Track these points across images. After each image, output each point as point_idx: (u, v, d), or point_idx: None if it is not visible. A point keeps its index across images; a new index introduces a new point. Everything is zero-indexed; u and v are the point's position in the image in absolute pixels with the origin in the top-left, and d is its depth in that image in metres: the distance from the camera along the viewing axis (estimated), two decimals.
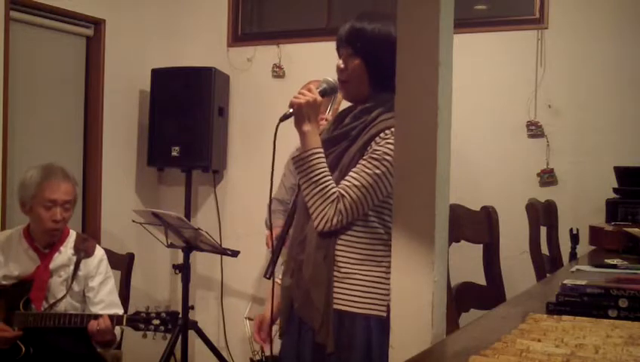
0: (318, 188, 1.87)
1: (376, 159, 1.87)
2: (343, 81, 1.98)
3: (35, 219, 2.78)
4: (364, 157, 1.90)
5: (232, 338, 4.38)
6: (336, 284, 1.91)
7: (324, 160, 1.91)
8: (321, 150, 1.92)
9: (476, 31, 3.81)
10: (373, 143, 1.90)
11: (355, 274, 1.92)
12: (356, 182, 1.88)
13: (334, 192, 1.87)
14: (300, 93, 1.94)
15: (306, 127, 1.92)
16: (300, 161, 1.92)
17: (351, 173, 1.90)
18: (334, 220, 1.87)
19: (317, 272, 1.91)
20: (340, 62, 1.98)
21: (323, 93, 1.97)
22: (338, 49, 2.02)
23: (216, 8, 4.49)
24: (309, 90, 1.94)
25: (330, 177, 1.90)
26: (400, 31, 1.49)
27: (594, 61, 3.64)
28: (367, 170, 1.87)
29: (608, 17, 3.62)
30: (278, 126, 1.91)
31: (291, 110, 1.93)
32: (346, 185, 1.88)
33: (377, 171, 1.87)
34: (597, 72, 3.63)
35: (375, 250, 1.92)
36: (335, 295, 1.91)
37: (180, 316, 3.13)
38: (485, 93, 3.83)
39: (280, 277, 2.16)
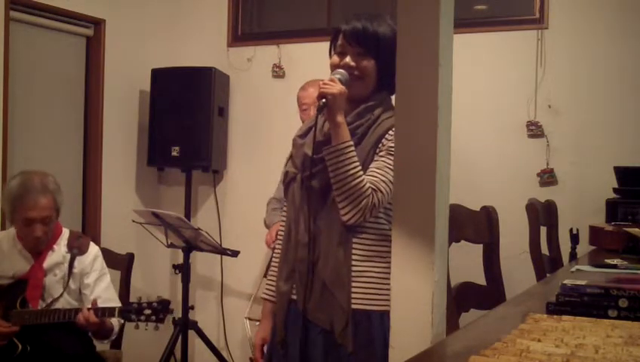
0: (355, 181, 1.85)
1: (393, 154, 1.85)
2: (356, 77, 1.95)
3: (17, 231, 2.81)
4: (381, 154, 1.91)
5: (232, 339, 4.38)
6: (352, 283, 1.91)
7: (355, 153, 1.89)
8: (352, 143, 1.89)
9: (476, 31, 3.81)
10: (384, 140, 1.91)
11: (366, 271, 1.91)
12: (383, 178, 1.87)
13: (369, 187, 1.86)
14: (325, 83, 1.90)
15: (340, 118, 1.88)
16: (336, 153, 1.87)
17: (374, 169, 1.90)
18: (367, 214, 1.87)
19: (338, 271, 1.90)
20: (349, 59, 1.96)
21: None
22: (340, 45, 1.99)
23: (216, 8, 4.49)
24: (333, 82, 1.90)
25: (362, 171, 1.88)
26: (400, 31, 1.49)
27: (594, 61, 3.64)
28: (391, 166, 1.86)
29: (608, 17, 3.62)
30: (317, 117, 1.90)
31: (324, 100, 1.87)
32: (375, 180, 1.87)
33: None
34: (597, 72, 3.63)
35: (380, 246, 1.92)
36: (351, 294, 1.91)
37: (175, 309, 3.11)
38: (485, 93, 3.83)
39: (267, 291, 2.14)
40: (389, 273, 1.87)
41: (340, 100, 1.87)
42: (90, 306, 2.67)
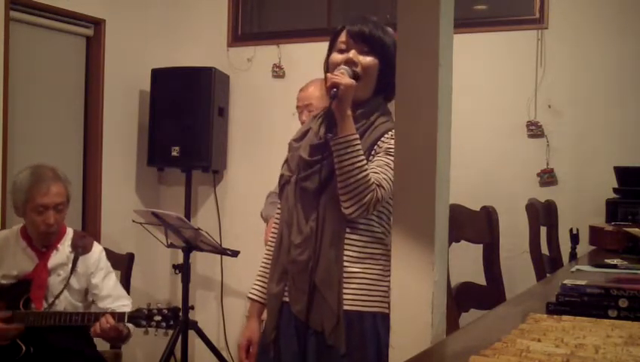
0: (362, 174, 1.83)
1: (392, 155, 1.84)
2: (357, 75, 1.93)
3: (29, 223, 2.79)
4: (379, 155, 1.91)
5: (232, 339, 4.37)
6: (343, 284, 1.91)
7: None
8: (359, 136, 1.89)
9: (476, 31, 3.81)
10: (380, 143, 1.92)
11: (358, 272, 1.91)
12: (384, 175, 1.87)
13: (374, 181, 1.85)
14: (335, 74, 1.87)
15: (349, 111, 1.86)
16: (344, 144, 1.85)
17: (374, 167, 1.89)
18: (370, 208, 1.86)
19: (329, 272, 1.89)
20: (353, 53, 1.95)
21: None
22: (342, 43, 1.97)
23: (216, 8, 4.49)
24: (342, 74, 1.88)
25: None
26: (400, 31, 1.49)
27: (594, 61, 3.64)
28: (390, 165, 1.85)
29: (608, 17, 3.62)
30: (331, 104, 1.86)
31: (335, 89, 1.84)
32: (377, 177, 1.86)
33: None
34: (597, 72, 3.63)
35: (372, 248, 1.92)
36: (343, 295, 1.90)
37: (181, 312, 3.12)
38: (485, 93, 3.83)
39: (253, 290, 2.14)
40: (382, 275, 1.89)
41: (350, 92, 1.85)
42: (104, 311, 2.67)
